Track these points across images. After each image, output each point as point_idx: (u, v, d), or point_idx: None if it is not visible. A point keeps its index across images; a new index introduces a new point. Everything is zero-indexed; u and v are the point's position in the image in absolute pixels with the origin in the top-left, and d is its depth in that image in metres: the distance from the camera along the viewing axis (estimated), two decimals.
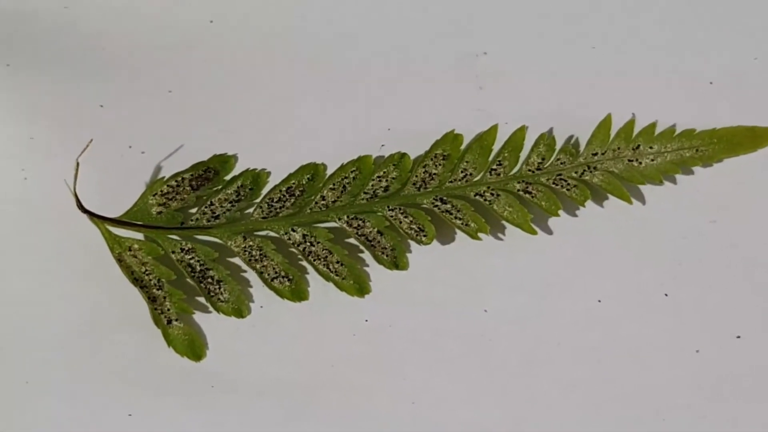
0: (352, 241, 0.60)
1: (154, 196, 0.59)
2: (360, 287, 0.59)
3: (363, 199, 0.59)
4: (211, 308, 0.59)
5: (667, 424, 0.58)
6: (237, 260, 0.60)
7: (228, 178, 0.60)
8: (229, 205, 0.59)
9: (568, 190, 0.59)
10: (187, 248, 0.59)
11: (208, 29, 0.63)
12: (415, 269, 0.59)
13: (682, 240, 0.60)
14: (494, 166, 0.59)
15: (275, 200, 0.59)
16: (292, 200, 0.59)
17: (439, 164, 0.59)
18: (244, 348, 0.59)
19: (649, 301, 0.59)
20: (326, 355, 0.59)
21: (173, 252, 0.59)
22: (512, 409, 0.58)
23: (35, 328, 0.59)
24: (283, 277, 0.58)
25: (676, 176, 0.61)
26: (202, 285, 0.58)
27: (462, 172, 0.59)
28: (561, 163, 0.60)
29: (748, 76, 0.62)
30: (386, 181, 0.59)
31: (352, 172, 0.59)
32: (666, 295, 0.59)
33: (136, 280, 0.58)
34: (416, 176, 0.59)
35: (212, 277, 0.58)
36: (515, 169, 0.60)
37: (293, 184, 0.59)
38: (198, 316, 0.59)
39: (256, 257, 0.58)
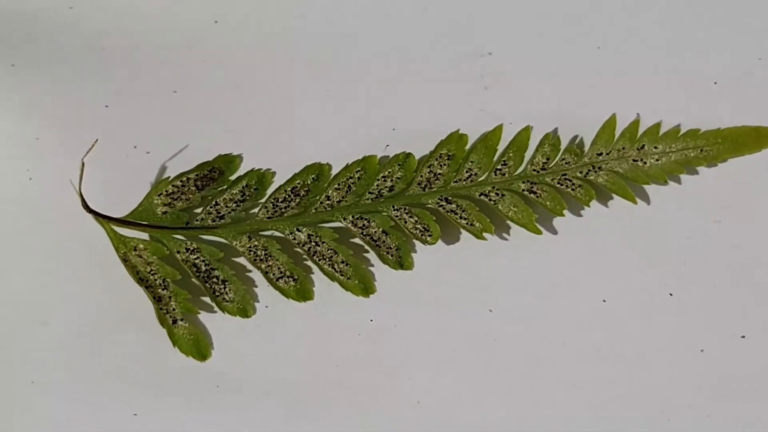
0: (357, 241, 0.60)
1: (159, 196, 0.59)
2: (365, 287, 0.59)
3: (368, 199, 0.59)
4: (216, 308, 0.59)
5: (671, 423, 0.58)
6: (242, 260, 0.60)
7: (233, 178, 0.60)
8: (234, 205, 0.59)
9: (572, 190, 0.59)
10: (192, 248, 0.59)
11: (212, 29, 0.63)
12: (420, 269, 0.59)
13: (687, 240, 0.60)
14: (499, 166, 0.60)
15: (280, 200, 0.59)
16: (297, 200, 0.59)
17: (444, 164, 0.59)
18: (249, 348, 0.59)
19: (653, 301, 0.59)
20: (331, 355, 0.59)
21: (178, 252, 0.59)
22: (517, 409, 0.58)
23: (39, 328, 0.59)
24: (288, 276, 0.59)
25: (681, 176, 0.61)
26: (207, 285, 0.58)
27: (467, 172, 0.59)
28: (566, 163, 0.60)
29: (752, 76, 0.62)
30: (391, 181, 0.59)
31: (357, 172, 0.59)
32: (671, 294, 0.60)
33: (142, 280, 0.58)
34: (421, 176, 0.59)
35: (217, 277, 0.58)
36: (520, 169, 0.60)
37: (298, 184, 0.59)
38: (203, 316, 0.60)
39: (261, 257, 0.59)
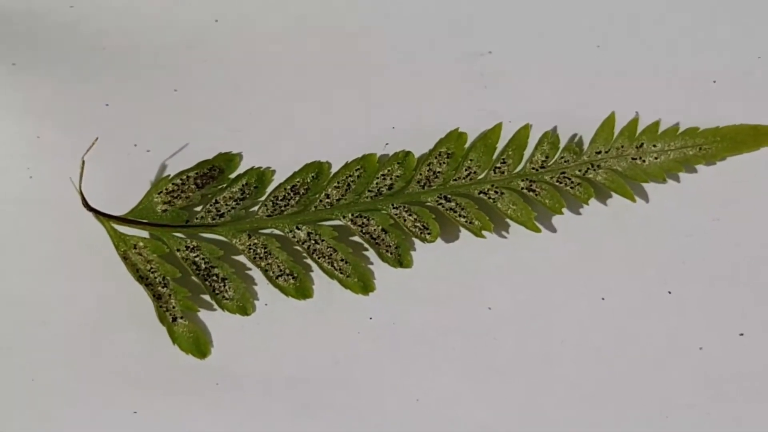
0: (356, 239, 0.60)
1: (159, 194, 0.59)
2: (364, 285, 0.59)
3: (367, 198, 0.59)
4: (216, 306, 0.59)
5: (670, 421, 0.58)
6: (242, 258, 0.60)
7: (233, 176, 0.60)
8: (234, 203, 0.59)
9: (571, 188, 0.59)
10: (192, 246, 0.59)
11: (213, 28, 0.64)
12: (419, 267, 0.60)
13: (686, 238, 0.60)
14: (498, 165, 0.60)
15: (280, 198, 0.59)
16: (297, 198, 0.59)
17: (444, 162, 0.59)
18: (248, 345, 0.59)
19: (652, 299, 0.59)
20: (330, 353, 0.59)
21: (178, 250, 0.59)
22: (516, 407, 0.58)
23: (39, 327, 0.59)
24: (287, 274, 0.59)
25: (680, 174, 0.61)
26: (207, 283, 0.58)
27: (466, 170, 0.60)
28: (565, 162, 0.60)
29: (751, 74, 0.62)
30: (390, 179, 0.59)
31: (356, 170, 0.59)
32: (669, 292, 0.60)
33: (141, 278, 0.58)
34: (420, 174, 0.59)
35: (217, 275, 0.59)
36: (519, 167, 0.60)
37: (298, 182, 0.59)
38: (203, 314, 0.60)
39: (261, 255, 0.59)
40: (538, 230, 0.59)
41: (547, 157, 0.60)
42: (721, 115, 0.60)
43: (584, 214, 0.61)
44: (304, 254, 0.60)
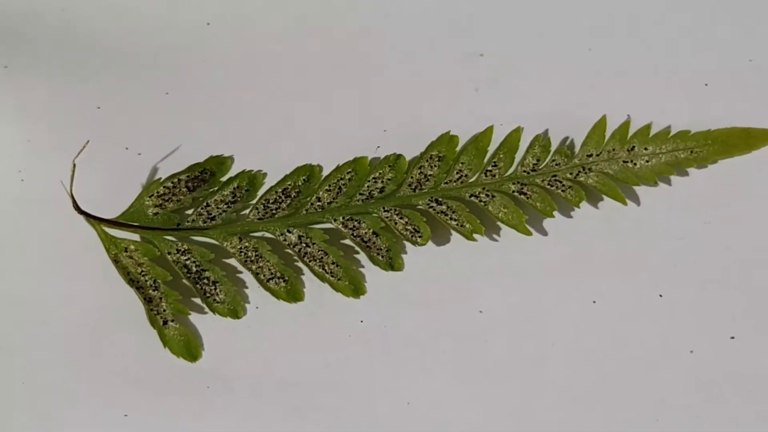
0: (347, 242, 0.60)
1: (150, 197, 0.59)
2: (355, 288, 0.59)
3: (358, 201, 0.59)
4: (206, 309, 0.59)
5: (660, 424, 0.58)
6: (233, 261, 0.60)
7: (224, 179, 0.60)
8: (225, 206, 0.59)
9: (563, 191, 0.59)
10: (183, 249, 0.59)
11: (204, 31, 0.64)
12: (410, 270, 0.60)
13: (677, 241, 0.60)
14: (489, 168, 0.60)
15: (271, 201, 0.59)
16: (288, 201, 0.59)
17: (435, 165, 0.59)
18: (239, 348, 0.59)
19: (643, 302, 0.59)
20: (321, 356, 0.59)
21: (169, 253, 0.59)
22: (507, 410, 0.58)
23: (31, 329, 0.59)
24: (278, 278, 0.59)
25: (671, 177, 0.61)
26: (197, 286, 0.58)
27: (457, 173, 0.59)
28: (556, 165, 0.60)
29: (743, 77, 0.62)
30: (382, 182, 0.59)
31: (347, 173, 0.59)
32: (660, 296, 0.60)
33: (132, 281, 0.58)
34: (412, 177, 0.59)
35: (208, 278, 0.59)
36: (510, 170, 0.60)
37: (289, 185, 0.59)
38: (194, 317, 0.60)
39: (252, 258, 0.59)
40: (529, 233, 0.59)
41: (538, 160, 0.60)
42: (713, 118, 0.60)
43: (575, 217, 0.61)
44: (295, 257, 0.59)
